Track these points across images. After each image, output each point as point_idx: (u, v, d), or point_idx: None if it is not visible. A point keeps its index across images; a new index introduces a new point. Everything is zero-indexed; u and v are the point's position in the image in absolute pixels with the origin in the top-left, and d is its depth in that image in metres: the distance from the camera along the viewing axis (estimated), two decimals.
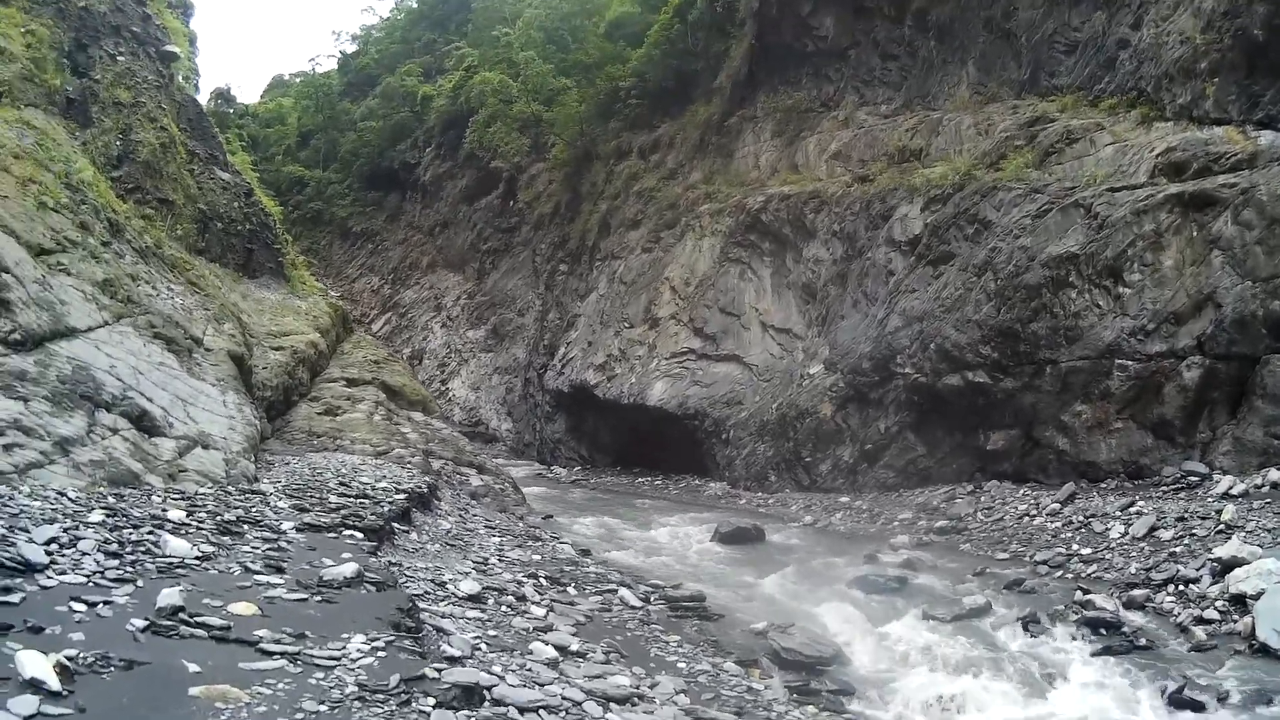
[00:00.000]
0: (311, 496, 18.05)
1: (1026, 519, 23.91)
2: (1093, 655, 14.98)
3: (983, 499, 26.36)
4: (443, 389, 65.80)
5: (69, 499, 12.72)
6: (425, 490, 22.43)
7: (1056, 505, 23.70)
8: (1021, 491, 25.87)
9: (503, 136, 71.79)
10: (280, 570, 12.06)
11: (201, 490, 15.81)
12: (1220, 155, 23.81)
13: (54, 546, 10.54)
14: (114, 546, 11.22)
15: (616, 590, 17.80)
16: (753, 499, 35.25)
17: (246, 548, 12.97)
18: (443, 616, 12.92)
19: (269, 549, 13.11)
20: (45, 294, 16.65)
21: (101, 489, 13.94)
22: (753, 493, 36.16)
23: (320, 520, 15.82)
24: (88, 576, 10.06)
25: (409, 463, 25.31)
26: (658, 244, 48.77)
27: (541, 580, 17.57)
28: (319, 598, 11.15)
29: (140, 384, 17.37)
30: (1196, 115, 25.39)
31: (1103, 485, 24.11)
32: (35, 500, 12.10)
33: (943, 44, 37.43)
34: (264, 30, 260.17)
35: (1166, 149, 24.99)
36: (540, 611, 14.98)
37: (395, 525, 18.39)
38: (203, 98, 38.91)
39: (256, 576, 11.59)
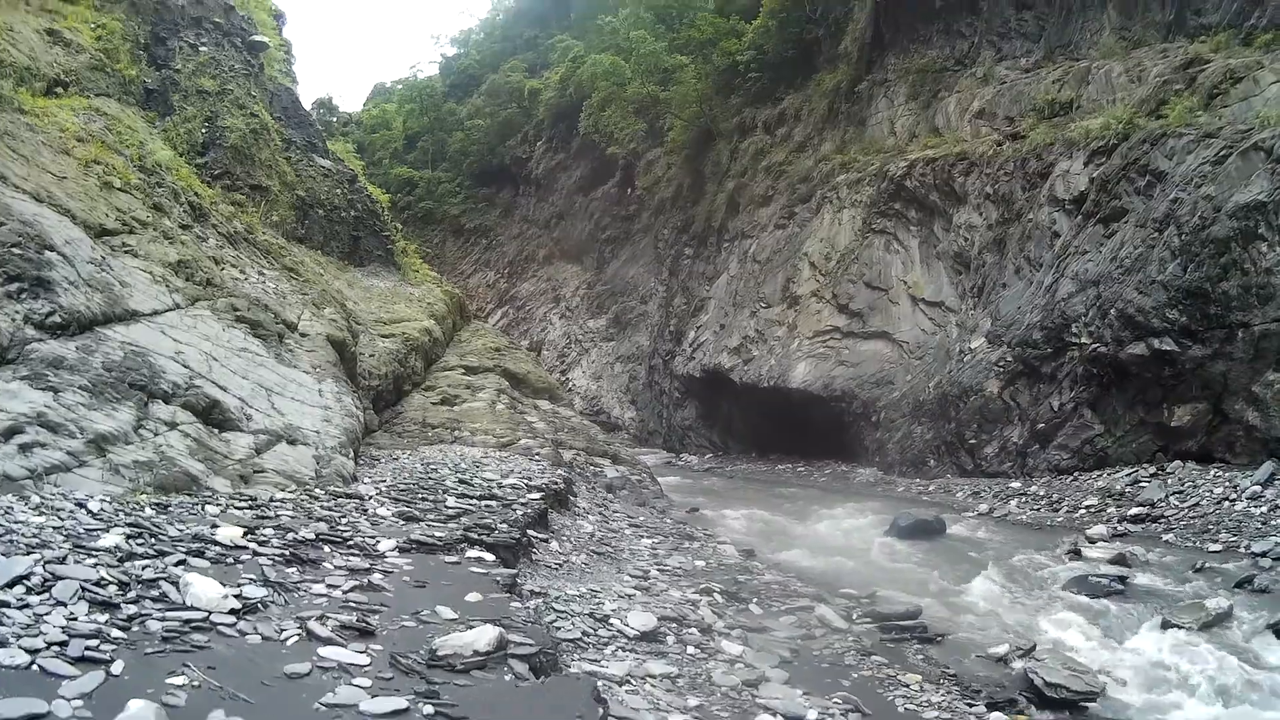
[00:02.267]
0: (423, 500, 15.15)
1: (1226, 503, 21.68)
2: None
3: (1170, 482, 24.12)
4: (563, 379, 63.86)
5: (88, 512, 9.72)
6: (561, 486, 19.90)
7: (1257, 488, 21.63)
8: (1212, 473, 23.66)
9: (617, 121, 69.31)
10: (367, 633, 8.23)
11: (280, 496, 13.04)
12: None
13: (20, 590, 7.23)
14: (110, 590, 7.71)
15: (813, 608, 14.91)
16: (910, 485, 33.05)
17: (321, 586, 9.50)
18: (623, 684, 9.69)
19: (353, 588, 9.63)
20: (101, 274, 14.51)
21: (144, 496, 11.21)
22: (909, 479, 34.03)
23: (434, 535, 12.50)
24: (43, 646, 6.60)
25: (537, 455, 23.17)
26: (792, 219, 46.77)
27: (717, 597, 14.75)
28: (429, 703, 6.90)
29: (213, 371, 15.00)
30: None
31: None
32: (39, 516, 9.13)
33: None
34: (361, 41, 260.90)
35: None
36: (735, 649, 11.99)
37: (532, 533, 15.48)
38: (304, 103, 37.16)
39: (323, 650, 7.63)
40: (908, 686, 11.78)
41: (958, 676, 12.54)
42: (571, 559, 15.72)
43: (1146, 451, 26.35)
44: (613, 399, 62.79)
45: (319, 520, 12.15)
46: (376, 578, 10.22)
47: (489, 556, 12.35)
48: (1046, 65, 36.14)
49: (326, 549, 10.98)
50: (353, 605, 9.05)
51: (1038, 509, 25.98)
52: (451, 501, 15.33)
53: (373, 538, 11.90)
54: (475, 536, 13.00)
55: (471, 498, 16.02)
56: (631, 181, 69.59)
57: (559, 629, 11.08)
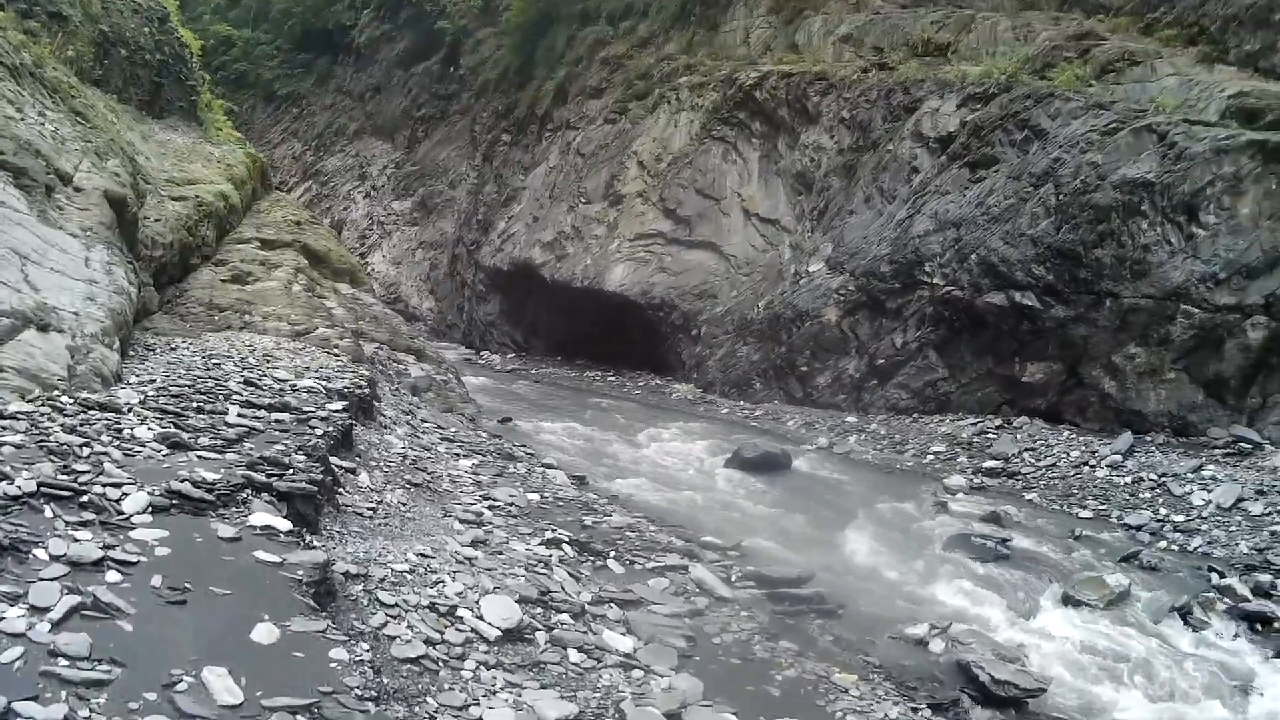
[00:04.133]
0: (199, 412, 12.18)
1: (1086, 469, 21.66)
2: (1270, 659, 13.19)
3: (1019, 437, 24.10)
4: (362, 262, 60.43)
5: None
6: (366, 390, 17.27)
7: (1117, 457, 21.59)
8: (1065, 435, 23.73)
9: None
10: None
11: (13, 408, 10.17)
12: None
13: None
14: None
15: (686, 567, 13.18)
16: (735, 408, 32.11)
17: (14, 612, 6.39)
18: None
19: (69, 613, 6.57)
20: None
21: None
22: (732, 400, 33.02)
23: (205, 479, 9.44)
24: None
25: (336, 346, 20.76)
26: (624, 115, 44.96)
27: (567, 549, 12.90)
28: None
29: None
30: (1263, 66, 24.57)
31: (1147, 438, 22.49)
32: None
33: None
34: None
35: (1239, 92, 23.65)
36: (623, 642, 10.03)
37: (336, 462, 12.69)
38: None
39: None
40: (846, 692, 10.25)
41: (885, 668, 11.29)
42: (386, 497, 13.14)
43: (991, 402, 26.20)
44: (411, 287, 60.25)
45: (51, 454, 9.04)
46: (110, 581, 7.15)
47: (281, 523, 9.18)
48: (926, 4, 35.50)
49: (48, 511, 7.89)
50: (57, 672, 5.86)
51: (880, 448, 25.66)
52: (234, 415, 12.20)
53: (118, 486, 8.74)
54: (262, 479, 9.95)
55: (259, 407, 13.21)
56: (456, 59, 66.48)
57: (394, 640, 8.44)
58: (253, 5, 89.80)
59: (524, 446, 20.68)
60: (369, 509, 12.27)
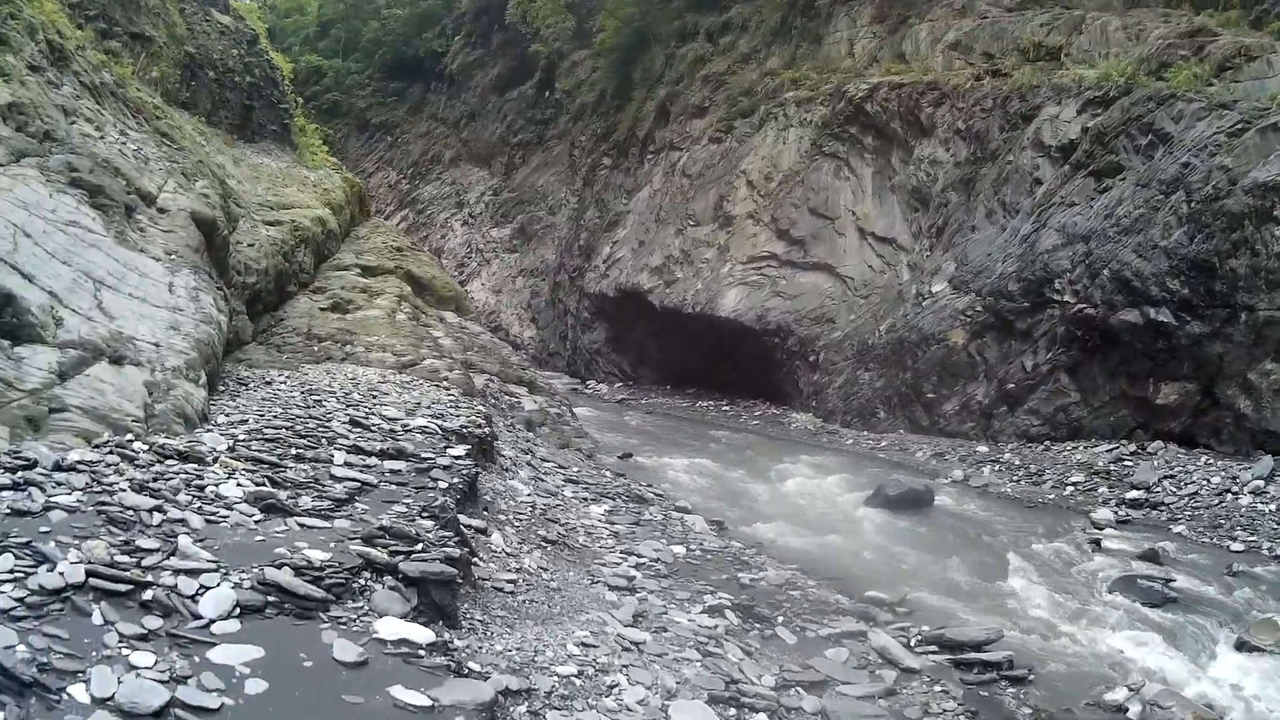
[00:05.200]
0: (296, 462, 10.70)
1: (1229, 496, 20.77)
2: None
3: (1156, 463, 22.98)
4: (462, 291, 60.18)
5: None
6: (485, 429, 15.83)
7: (1259, 483, 20.71)
8: (1203, 460, 22.72)
9: (546, 14, 65.91)
10: None
11: (74, 458, 8.69)
12: None
13: None
14: None
15: (864, 634, 11.95)
16: (858, 438, 30.63)
17: None
18: None
19: None
20: None
21: None
22: (854, 430, 31.69)
23: (309, 559, 7.71)
24: None
25: (445, 379, 19.40)
26: (730, 134, 43.69)
27: (731, 616, 11.65)
28: None
29: (18, 251, 10.86)
30: None
31: None
32: None
33: None
34: None
35: None
36: None
37: (465, 522, 11.18)
38: None
39: None
40: None
41: None
42: (524, 562, 11.68)
43: (1124, 427, 25.16)
44: (512, 315, 59.28)
45: (112, 524, 7.39)
46: None
47: (419, 633, 7.23)
48: (1033, 6, 34.81)
49: (97, 614, 6.07)
50: None
51: (1017, 479, 24.54)
52: (339, 464, 10.86)
53: (194, 575, 6.92)
54: (384, 558, 8.13)
55: (369, 454, 11.71)
56: (552, 83, 66.13)
57: None
58: (342, 36, 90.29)
59: (650, 486, 19.86)
60: (509, 581, 10.71)
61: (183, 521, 7.81)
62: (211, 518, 8.17)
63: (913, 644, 12.27)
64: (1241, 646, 13.57)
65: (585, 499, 16.37)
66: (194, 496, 8.54)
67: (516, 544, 12.21)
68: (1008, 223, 29.27)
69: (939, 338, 29.58)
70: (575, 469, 18.89)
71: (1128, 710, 11.28)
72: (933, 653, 12.03)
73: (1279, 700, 12.03)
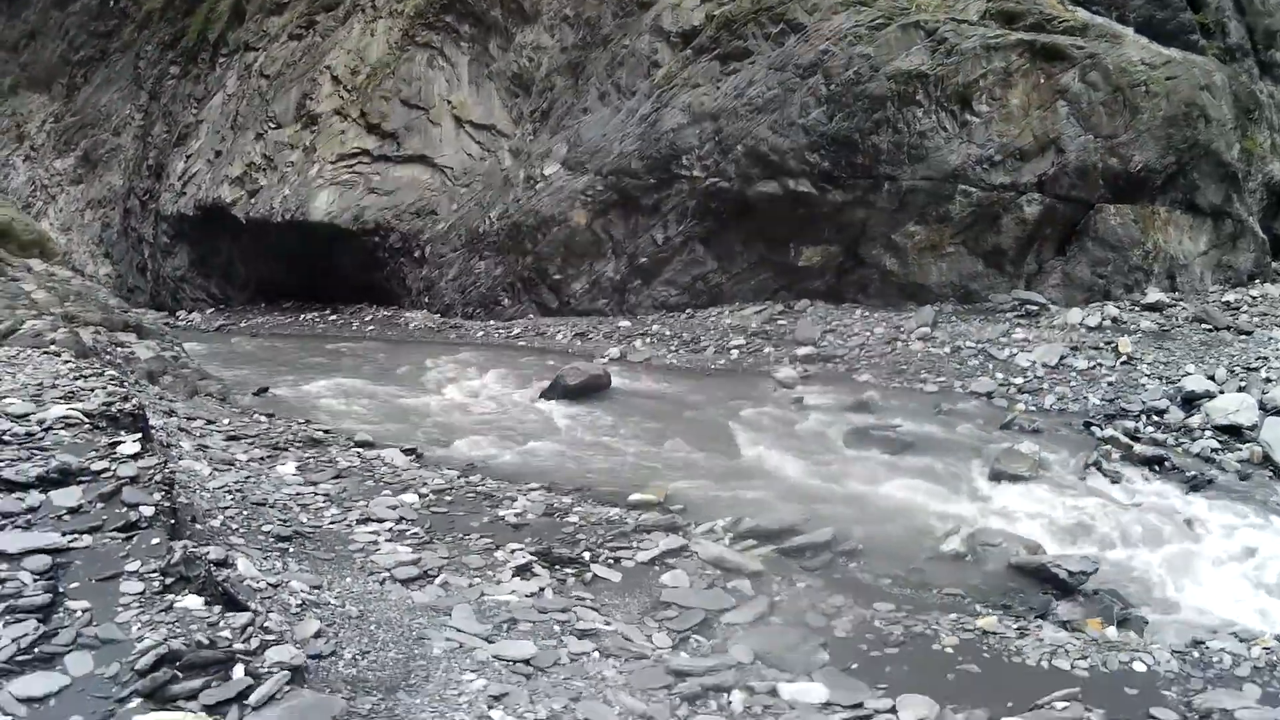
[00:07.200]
0: None
1: (898, 344, 22.89)
2: (1189, 495, 14.64)
3: (811, 319, 25.13)
4: None
5: None
6: (132, 404, 9.87)
7: (925, 329, 23.19)
8: (857, 313, 25.25)
9: None
10: None
11: None
12: (1053, 18, 25.17)
13: None
14: None
15: (686, 549, 10.80)
16: (487, 329, 30.17)
17: None
18: None
19: None
20: None
21: None
22: (480, 320, 31.17)
23: None
24: None
25: (53, 343, 14.74)
26: (311, 29, 42.36)
27: (541, 573, 9.85)
28: None
29: None
30: None
31: (935, 308, 24.66)
32: None
33: None
34: None
35: None
36: (813, 690, 7.99)
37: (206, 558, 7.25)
38: None
39: None
40: (998, 635, 9.64)
41: (974, 595, 10.92)
42: (294, 588, 7.96)
43: (766, 289, 27.02)
44: (85, 254, 53.90)
45: None
46: None
47: None
48: None
49: None
50: None
51: (674, 349, 25.31)
52: None
53: None
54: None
55: (22, 486, 7.22)
56: None
57: None
58: None
59: (311, 423, 16.62)
60: (314, 637, 7.05)
61: None
62: None
63: (729, 543, 11.36)
64: (998, 477, 14.94)
65: (262, 458, 13.21)
66: None
67: (263, 563, 8.48)
68: (623, 104, 29.69)
69: (560, 218, 29.70)
70: (227, 421, 15.68)
71: (966, 556, 11.91)
72: (754, 548, 11.24)
73: (1050, 517, 13.45)
